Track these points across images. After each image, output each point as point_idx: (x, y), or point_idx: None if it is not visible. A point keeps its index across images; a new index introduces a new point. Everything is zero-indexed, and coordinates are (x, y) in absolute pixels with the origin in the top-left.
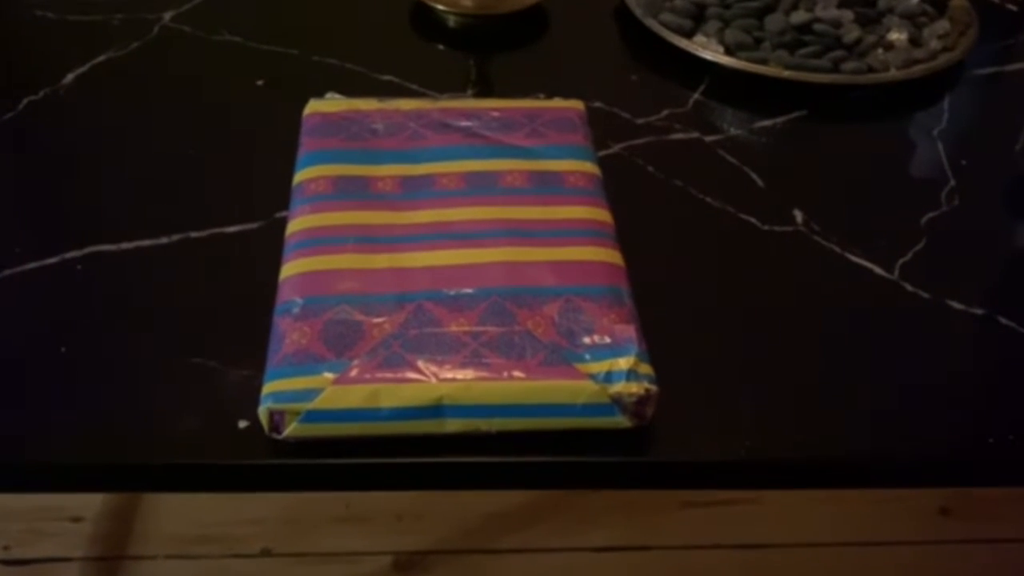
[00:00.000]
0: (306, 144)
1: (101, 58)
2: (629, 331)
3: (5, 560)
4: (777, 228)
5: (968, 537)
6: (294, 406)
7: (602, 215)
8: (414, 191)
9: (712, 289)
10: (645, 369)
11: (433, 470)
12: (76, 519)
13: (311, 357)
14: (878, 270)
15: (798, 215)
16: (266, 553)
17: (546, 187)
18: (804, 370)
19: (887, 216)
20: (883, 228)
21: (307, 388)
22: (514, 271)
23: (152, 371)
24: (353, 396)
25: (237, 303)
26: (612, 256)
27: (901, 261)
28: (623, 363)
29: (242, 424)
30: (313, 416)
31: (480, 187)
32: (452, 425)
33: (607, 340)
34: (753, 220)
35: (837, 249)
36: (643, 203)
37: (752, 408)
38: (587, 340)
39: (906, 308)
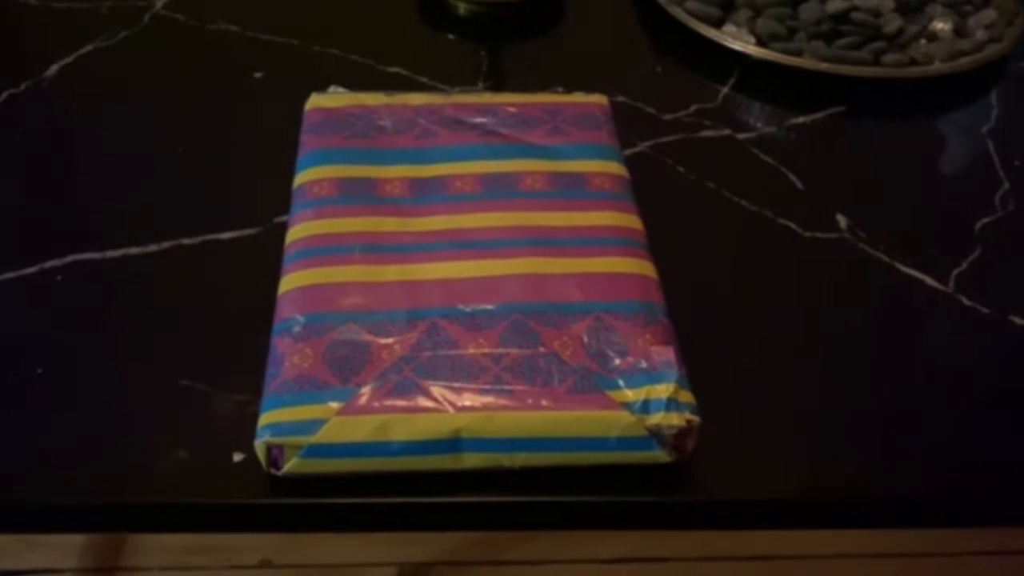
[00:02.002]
0: (308, 142)
1: (88, 48)
2: (667, 353)
3: None
4: (820, 235)
5: (983, 549)
6: (295, 440)
7: (632, 221)
8: (425, 195)
9: (753, 304)
10: (686, 397)
11: (450, 511)
12: None
13: (313, 383)
14: (930, 281)
15: (842, 220)
16: (265, 565)
17: (570, 190)
18: (855, 394)
19: (937, 222)
20: (934, 235)
21: (309, 419)
22: (537, 285)
23: (137, 395)
24: (360, 428)
25: (232, 319)
26: (644, 267)
27: (956, 271)
28: (662, 390)
29: (237, 457)
30: (316, 451)
31: (498, 190)
32: (471, 460)
33: (643, 364)
34: (793, 226)
35: (885, 258)
36: (674, 207)
37: (801, 438)
38: (620, 363)
39: (964, 324)
